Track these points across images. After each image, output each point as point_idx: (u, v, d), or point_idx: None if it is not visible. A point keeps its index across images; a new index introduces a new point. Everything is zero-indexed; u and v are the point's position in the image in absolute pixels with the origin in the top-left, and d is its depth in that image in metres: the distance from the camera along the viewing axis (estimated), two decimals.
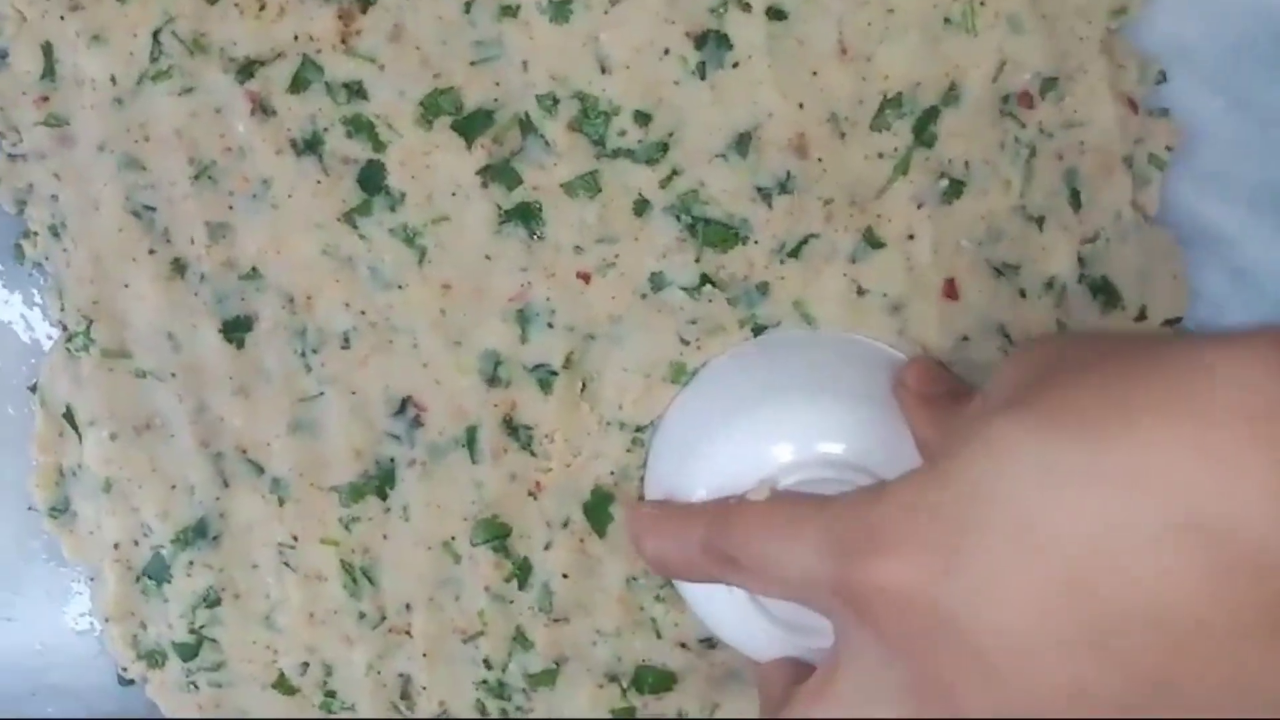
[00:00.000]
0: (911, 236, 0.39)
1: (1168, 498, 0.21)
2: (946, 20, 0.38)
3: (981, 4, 0.38)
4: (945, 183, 0.39)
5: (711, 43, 0.38)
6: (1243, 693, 0.21)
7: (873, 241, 0.39)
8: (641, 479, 0.40)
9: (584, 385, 0.40)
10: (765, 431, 0.35)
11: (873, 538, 0.26)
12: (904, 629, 0.25)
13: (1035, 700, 0.23)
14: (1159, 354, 0.23)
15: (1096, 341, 0.26)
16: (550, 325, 0.39)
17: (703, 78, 0.38)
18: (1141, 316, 0.40)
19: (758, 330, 0.39)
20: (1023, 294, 0.39)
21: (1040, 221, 0.39)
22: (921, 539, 0.25)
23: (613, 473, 0.40)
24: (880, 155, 0.39)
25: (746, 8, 0.38)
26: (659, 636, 0.41)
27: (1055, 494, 0.22)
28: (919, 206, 0.39)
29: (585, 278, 0.39)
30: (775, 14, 0.38)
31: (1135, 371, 0.22)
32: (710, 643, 0.41)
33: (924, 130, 0.38)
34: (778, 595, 0.31)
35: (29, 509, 0.42)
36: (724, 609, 0.35)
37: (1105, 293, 0.40)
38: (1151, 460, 0.21)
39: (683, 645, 0.41)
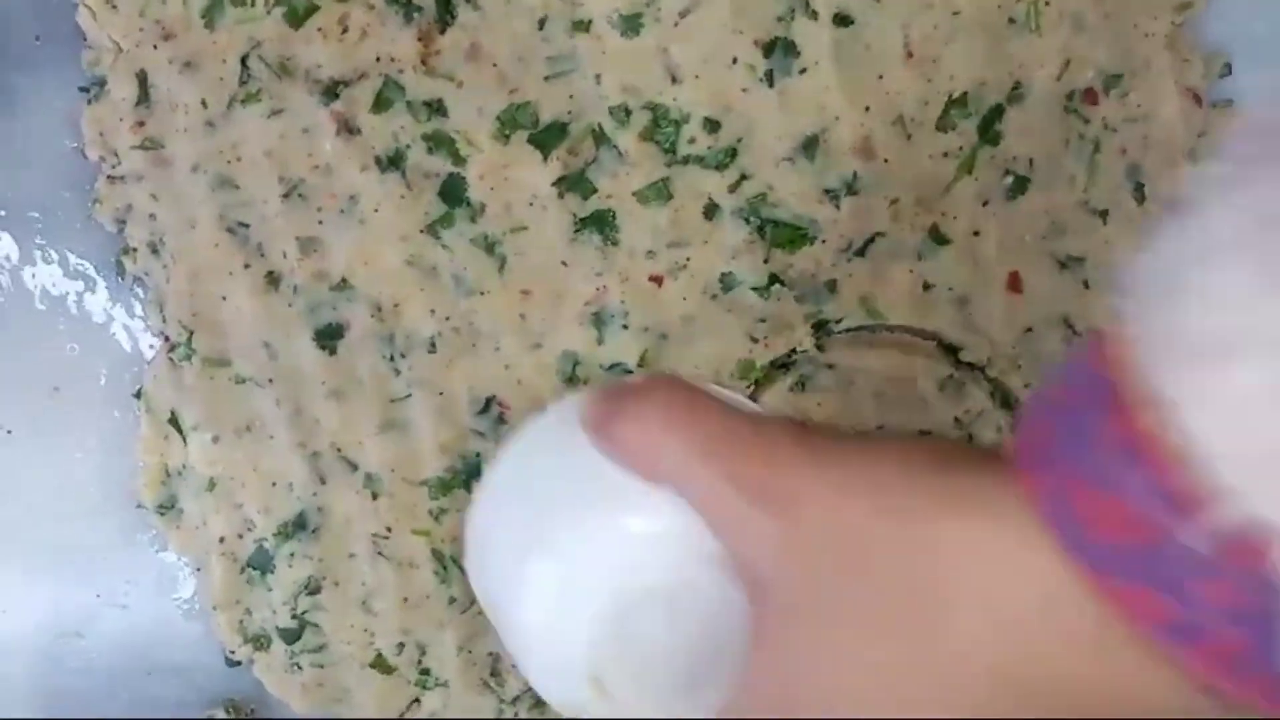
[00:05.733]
0: (977, 233, 0.40)
1: (990, 669, 0.26)
2: (1011, 20, 0.38)
3: (1046, 4, 0.38)
4: (1010, 180, 0.40)
5: (779, 50, 0.39)
6: None
7: (938, 239, 0.40)
8: None
9: None
10: None
11: None
12: None
13: None
14: (934, 553, 0.26)
15: (871, 525, 0.27)
16: (625, 327, 0.41)
17: (770, 85, 0.39)
18: None
19: (820, 325, 0.41)
20: (1086, 285, 0.40)
21: (1104, 215, 0.40)
22: None
23: None
24: (945, 154, 0.39)
25: (814, 15, 0.38)
26: None
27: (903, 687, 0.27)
28: (984, 204, 0.40)
29: (658, 280, 0.41)
30: (842, 20, 0.38)
31: (925, 566, 0.26)
32: None
33: (989, 129, 0.39)
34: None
35: (137, 506, 0.45)
36: None
37: None
38: (970, 647, 0.26)
39: None
